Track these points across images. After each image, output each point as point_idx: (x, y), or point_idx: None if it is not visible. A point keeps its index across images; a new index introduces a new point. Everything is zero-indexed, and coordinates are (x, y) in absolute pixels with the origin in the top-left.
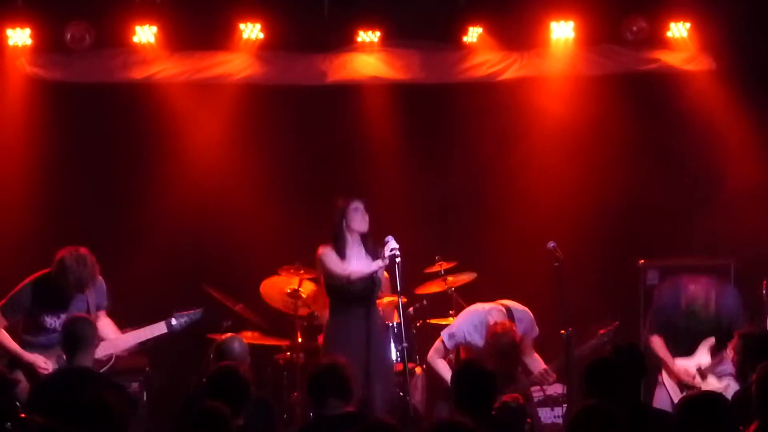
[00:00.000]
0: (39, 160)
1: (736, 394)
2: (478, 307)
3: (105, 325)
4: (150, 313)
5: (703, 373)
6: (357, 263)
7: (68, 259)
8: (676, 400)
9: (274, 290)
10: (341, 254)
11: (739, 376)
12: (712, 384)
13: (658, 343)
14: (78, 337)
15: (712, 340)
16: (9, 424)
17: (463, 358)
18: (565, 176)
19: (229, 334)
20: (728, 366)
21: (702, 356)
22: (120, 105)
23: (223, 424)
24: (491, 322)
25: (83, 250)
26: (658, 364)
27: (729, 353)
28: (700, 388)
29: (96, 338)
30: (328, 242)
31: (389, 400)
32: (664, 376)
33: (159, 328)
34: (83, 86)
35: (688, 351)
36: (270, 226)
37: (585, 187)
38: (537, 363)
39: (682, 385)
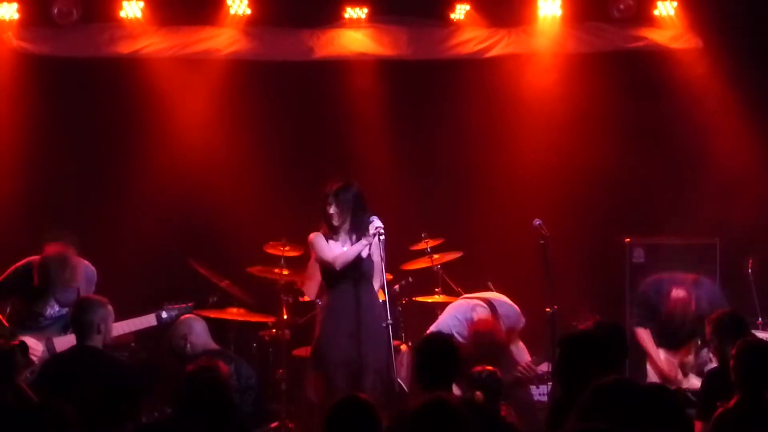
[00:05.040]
0: (25, 135)
1: (711, 371)
2: (463, 303)
3: None
4: (137, 288)
5: (685, 371)
6: (346, 246)
7: (51, 263)
8: None
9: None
10: (333, 238)
11: (719, 358)
12: (693, 383)
13: (643, 336)
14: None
15: (698, 341)
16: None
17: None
18: (552, 154)
19: (190, 315)
20: (708, 363)
21: (687, 354)
22: (107, 80)
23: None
24: (475, 318)
25: (65, 250)
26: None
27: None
28: (681, 384)
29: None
30: (318, 228)
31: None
32: (649, 370)
33: (149, 320)
34: (70, 61)
35: (673, 343)
36: (256, 201)
37: (571, 165)
38: (522, 352)
39: (665, 380)
